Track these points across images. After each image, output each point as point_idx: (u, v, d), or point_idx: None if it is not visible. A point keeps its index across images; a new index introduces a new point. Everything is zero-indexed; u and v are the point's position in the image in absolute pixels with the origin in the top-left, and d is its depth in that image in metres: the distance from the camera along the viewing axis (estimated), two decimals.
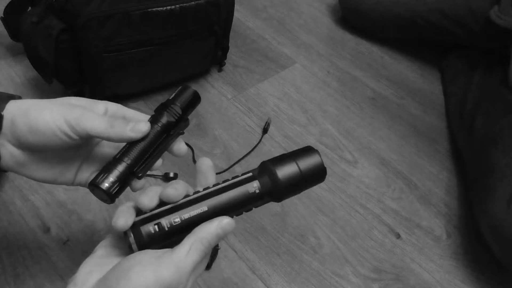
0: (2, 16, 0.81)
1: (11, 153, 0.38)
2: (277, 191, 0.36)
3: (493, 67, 0.89)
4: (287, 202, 0.73)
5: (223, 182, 0.37)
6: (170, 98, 0.42)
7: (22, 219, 0.65)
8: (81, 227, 0.66)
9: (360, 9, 1.03)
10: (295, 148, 0.82)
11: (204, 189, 0.36)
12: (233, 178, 0.37)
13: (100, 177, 0.37)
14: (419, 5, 0.95)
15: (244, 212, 0.37)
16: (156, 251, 0.33)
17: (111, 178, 0.37)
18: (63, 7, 0.70)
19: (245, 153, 0.78)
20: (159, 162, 0.42)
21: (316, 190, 0.75)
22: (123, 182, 0.38)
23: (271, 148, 0.80)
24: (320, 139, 0.84)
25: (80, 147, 0.42)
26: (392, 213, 0.74)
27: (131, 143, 0.39)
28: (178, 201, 0.35)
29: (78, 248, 0.63)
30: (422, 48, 1.06)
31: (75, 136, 0.37)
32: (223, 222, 0.34)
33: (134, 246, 0.34)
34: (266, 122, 0.83)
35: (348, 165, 0.80)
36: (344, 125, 0.87)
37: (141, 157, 0.39)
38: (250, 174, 0.37)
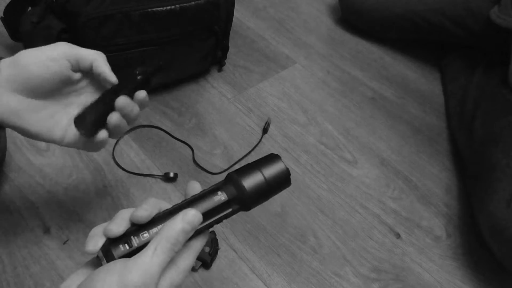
0: (2, 16, 0.81)
1: (7, 101, 0.42)
2: (244, 200, 0.37)
3: (493, 67, 0.89)
4: (287, 202, 0.73)
5: (192, 196, 0.37)
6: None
7: (22, 219, 0.65)
8: (81, 227, 0.66)
9: (360, 9, 1.03)
10: (295, 148, 0.82)
11: (174, 205, 0.37)
12: (201, 191, 0.37)
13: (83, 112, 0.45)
14: (419, 5, 0.95)
15: (214, 225, 0.37)
16: (126, 259, 0.32)
17: (93, 113, 0.45)
18: (63, 7, 0.70)
19: (245, 153, 0.78)
20: (142, 94, 0.48)
21: (316, 190, 0.75)
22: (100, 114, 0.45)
23: (271, 148, 0.80)
24: (320, 139, 0.84)
25: (73, 97, 0.48)
26: (392, 213, 0.74)
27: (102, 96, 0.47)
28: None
29: (78, 248, 0.63)
30: (422, 48, 1.06)
31: (66, 62, 0.43)
32: (188, 215, 0.33)
33: None
34: (266, 122, 0.83)
35: (348, 165, 0.80)
36: (344, 125, 0.87)
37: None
38: (217, 186, 0.38)
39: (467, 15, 0.91)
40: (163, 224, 0.34)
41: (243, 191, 0.37)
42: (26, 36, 0.73)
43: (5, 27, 0.82)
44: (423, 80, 0.99)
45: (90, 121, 0.44)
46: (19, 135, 0.75)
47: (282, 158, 0.39)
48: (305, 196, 0.74)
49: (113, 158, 0.74)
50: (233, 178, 0.37)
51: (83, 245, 0.63)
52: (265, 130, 0.82)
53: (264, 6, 1.12)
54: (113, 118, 0.45)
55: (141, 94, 0.47)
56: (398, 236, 0.71)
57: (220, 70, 0.93)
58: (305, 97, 0.91)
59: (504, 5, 0.83)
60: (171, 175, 0.72)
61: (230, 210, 0.37)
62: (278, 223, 0.70)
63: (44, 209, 0.67)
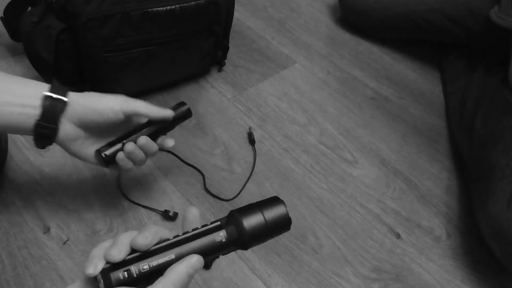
0: (2, 16, 0.81)
1: (66, 130, 0.52)
2: (243, 240, 0.38)
3: (493, 67, 0.89)
4: (287, 202, 0.73)
5: (193, 230, 0.38)
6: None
7: (22, 219, 0.65)
8: (81, 227, 0.66)
9: (360, 9, 1.03)
10: (295, 148, 0.82)
11: (174, 237, 0.38)
12: (202, 226, 0.39)
13: (104, 147, 0.56)
14: (419, 5, 0.95)
15: (211, 260, 0.38)
16: None
17: (110, 150, 0.56)
18: (63, 7, 0.70)
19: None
20: (170, 142, 0.61)
21: (316, 190, 0.75)
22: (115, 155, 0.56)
23: (271, 148, 0.80)
24: (320, 139, 0.84)
25: (111, 132, 0.57)
26: (392, 213, 0.74)
27: (133, 131, 0.58)
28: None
29: (78, 248, 0.63)
30: (422, 48, 1.06)
31: (122, 115, 0.54)
32: (192, 261, 0.36)
33: None
34: (249, 132, 0.81)
35: (348, 165, 0.80)
36: (344, 125, 0.87)
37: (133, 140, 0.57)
38: (218, 223, 0.39)
39: (467, 15, 0.91)
40: (164, 259, 0.36)
41: (243, 233, 0.38)
42: (26, 36, 0.73)
43: (5, 27, 0.82)
44: (423, 80, 0.99)
45: (110, 155, 0.56)
46: (19, 136, 0.75)
47: (285, 204, 0.40)
48: (305, 196, 0.74)
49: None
50: (235, 219, 0.38)
51: (83, 245, 0.63)
52: (252, 142, 0.80)
53: (264, 6, 1.12)
54: (128, 147, 0.55)
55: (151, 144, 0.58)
56: (398, 236, 0.71)
57: (220, 70, 0.93)
58: (305, 97, 0.91)
59: (504, 5, 0.83)
60: (171, 214, 0.68)
61: (227, 250, 0.38)
62: None
63: (44, 209, 0.67)
